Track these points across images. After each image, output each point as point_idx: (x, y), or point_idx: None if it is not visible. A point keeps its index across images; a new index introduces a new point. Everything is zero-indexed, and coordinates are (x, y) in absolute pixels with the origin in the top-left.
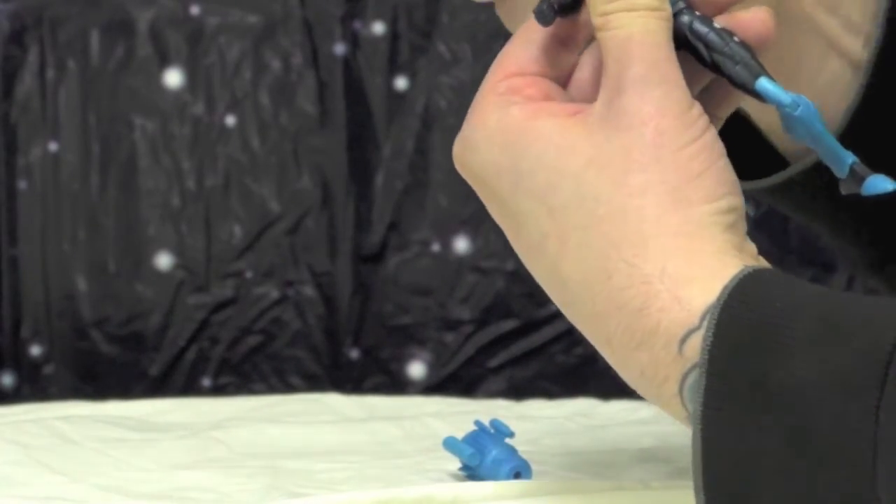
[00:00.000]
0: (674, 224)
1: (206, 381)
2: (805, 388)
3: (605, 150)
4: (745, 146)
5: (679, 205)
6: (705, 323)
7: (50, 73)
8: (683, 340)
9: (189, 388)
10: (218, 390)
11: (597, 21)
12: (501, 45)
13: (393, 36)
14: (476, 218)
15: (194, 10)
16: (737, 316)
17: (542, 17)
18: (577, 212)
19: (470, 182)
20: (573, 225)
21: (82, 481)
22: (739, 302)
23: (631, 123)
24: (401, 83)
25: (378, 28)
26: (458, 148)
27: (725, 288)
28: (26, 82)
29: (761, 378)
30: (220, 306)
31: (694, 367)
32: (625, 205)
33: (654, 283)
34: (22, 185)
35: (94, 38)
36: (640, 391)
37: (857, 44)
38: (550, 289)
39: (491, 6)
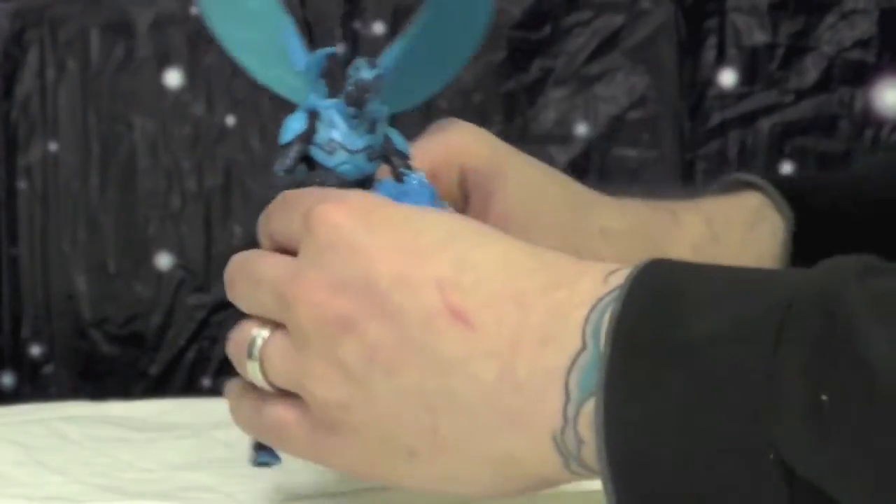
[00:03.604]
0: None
1: (206, 381)
2: (705, 340)
3: None
4: None
5: None
6: (615, 293)
7: (50, 73)
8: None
9: (189, 388)
10: (218, 390)
11: None
12: None
13: (393, 36)
14: None
15: (194, 10)
16: (642, 285)
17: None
18: None
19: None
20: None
21: (82, 481)
22: (645, 275)
23: None
24: None
25: (378, 28)
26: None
27: (632, 271)
28: (26, 82)
29: (663, 338)
30: (220, 306)
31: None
32: None
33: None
34: (22, 185)
35: (94, 38)
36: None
37: None
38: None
39: None
